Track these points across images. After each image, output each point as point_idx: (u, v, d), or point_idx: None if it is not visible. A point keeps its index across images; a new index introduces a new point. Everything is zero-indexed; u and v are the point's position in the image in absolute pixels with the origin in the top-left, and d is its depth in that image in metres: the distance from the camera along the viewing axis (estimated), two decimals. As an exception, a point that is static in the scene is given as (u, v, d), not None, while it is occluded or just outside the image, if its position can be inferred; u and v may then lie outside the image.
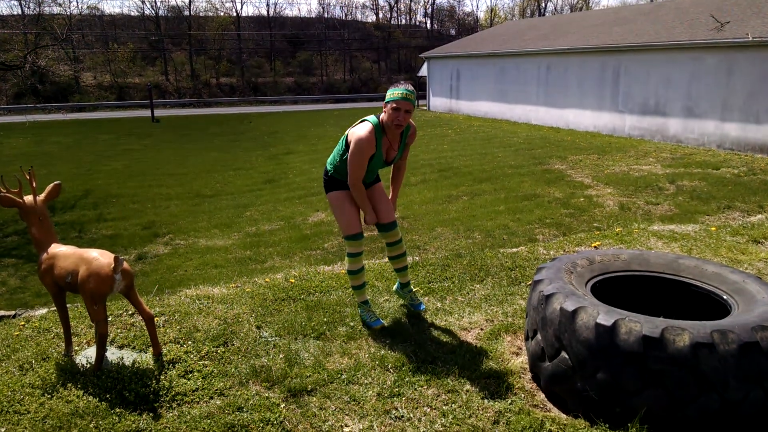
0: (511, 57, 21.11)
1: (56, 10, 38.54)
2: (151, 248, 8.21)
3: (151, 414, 2.84)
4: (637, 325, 2.53)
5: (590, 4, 56.08)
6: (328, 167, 3.76)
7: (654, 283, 3.33)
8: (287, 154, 16.14)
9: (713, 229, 6.23)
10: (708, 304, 3.15)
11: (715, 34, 13.97)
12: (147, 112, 28.39)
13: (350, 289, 4.46)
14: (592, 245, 5.68)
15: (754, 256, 5.15)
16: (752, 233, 5.88)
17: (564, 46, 18.34)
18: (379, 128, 3.52)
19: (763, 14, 14.23)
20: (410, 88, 3.48)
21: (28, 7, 34.48)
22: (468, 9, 66.43)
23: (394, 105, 3.40)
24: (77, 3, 44.14)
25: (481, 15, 58.57)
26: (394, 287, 4.17)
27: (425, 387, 3.04)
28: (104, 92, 37.92)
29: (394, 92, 3.44)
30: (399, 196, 4.01)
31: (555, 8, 56.25)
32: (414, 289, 4.24)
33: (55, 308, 4.31)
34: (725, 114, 13.65)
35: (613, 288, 3.31)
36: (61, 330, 3.56)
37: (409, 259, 5.30)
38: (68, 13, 39.14)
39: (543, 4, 55.79)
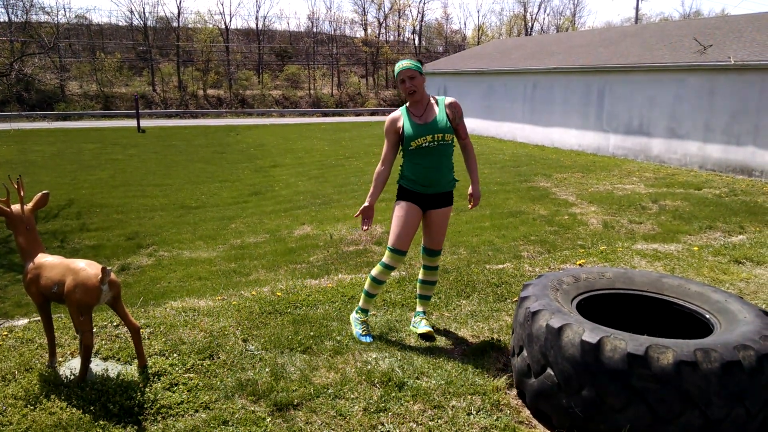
0: (498, 75, 21.33)
1: (44, 18, 38.38)
2: (135, 259, 8.15)
3: (135, 427, 2.82)
4: (621, 342, 2.56)
5: (576, 25, 56.88)
6: (399, 176, 3.85)
7: (638, 302, 3.37)
8: (274, 166, 16.13)
9: (696, 248, 6.32)
10: (691, 323, 3.20)
11: (698, 56, 14.23)
12: (133, 122, 28.24)
13: (337, 303, 4.47)
14: (577, 263, 5.73)
15: (735, 276, 5.23)
16: (733, 253, 5.97)
17: (550, 66, 18.57)
18: (404, 108, 3.75)
19: (744, 39, 14.53)
20: (408, 59, 3.68)
21: (16, 15, 34.34)
22: (456, 27, 67.13)
23: (400, 78, 3.65)
24: (65, 12, 44.01)
25: (469, 33, 59.09)
26: (412, 322, 4.10)
27: (411, 402, 3.05)
28: (90, 101, 37.66)
29: (395, 69, 3.70)
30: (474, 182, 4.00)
31: (541, 28, 56.98)
32: (397, 318, 4.23)
33: (38, 318, 4.27)
34: (707, 135, 13.88)
35: (598, 305, 3.35)
36: (45, 341, 3.53)
37: (396, 274, 5.32)
38: (56, 22, 38.98)
39: (529, 24, 56.48)
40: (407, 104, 3.74)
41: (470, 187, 3.94)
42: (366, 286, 3.91)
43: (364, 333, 3.85)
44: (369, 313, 4.02)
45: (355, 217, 3.73)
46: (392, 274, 4.72)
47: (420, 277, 4.01)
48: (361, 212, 3.76)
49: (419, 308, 4.06)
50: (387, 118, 3.74)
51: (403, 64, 3.64)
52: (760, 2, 68.35)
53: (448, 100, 3.75)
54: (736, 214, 9.05)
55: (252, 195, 12.35)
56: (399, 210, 3.75)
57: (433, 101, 3.73)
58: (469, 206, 3.99)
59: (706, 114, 13.89)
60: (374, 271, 3.85)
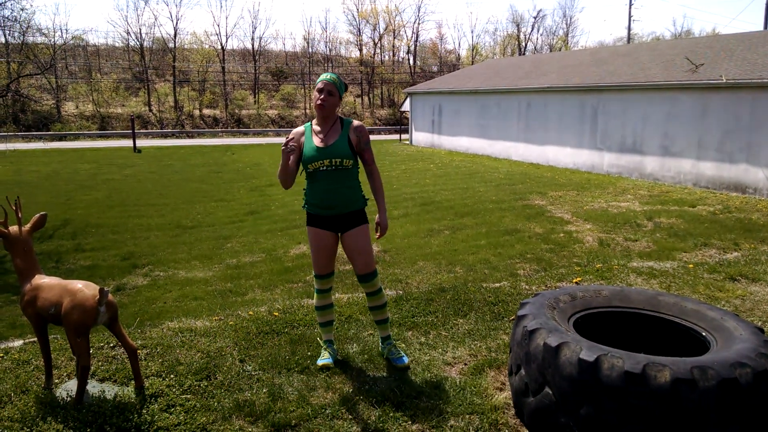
0: (493, 94, 21.50)
1: (40, 39, 38.49)
2: (130, 279, 8.12)
3: (132, 449, 2.80)
4: (619, 361, 2.57)
5: (569, 45, 57.46)
6: (303, 201, 3.77)
7: (635, 319, 3.38)
8: (269, 186, 16.15)
9: (691, 266, 6.34)
10: (687, 341, 3.21)
11: (690, 75, 14.39)
12: (129, 142, 28.31)
13: (334, 322, 4.46)
14: (574, 281, 5.75)
15: (731, 293, 5.25)
16: (729, 271, 6.00)
17: (544, 85, 18.73)
18: (308, 125, 3.70)
19: (735, 57, 14.71)
20: (333, 73, 3.65)
21: (12, 36, 34.45)
22: (450, 47, 67.65)
23: (319, 86, 3.58)
24: (62, 33, 44.15)
25: (463, 53, 59.57)
26: (380, 348, 3.94)
27: (409, 422, 3.04)
28: (86, 122, 37.74)
29: (320, 77, 3.63)
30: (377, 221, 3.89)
31: (535, 47, 57.52)
32: (395, 337, 4.14)
33: (33, 339, 4.25)
34: (701, 153, 13.99)
35: (595, 324, 3.36)
36: (42, 362, 3.52)
37: (392, 293, 5.32)
38: (53, 43, 39.14)
39: (523, 44, 57.02)
40: (313, 121, 3.69)
41: (377, 216, 3.76)
42: (317, 318, 3.89)
43: (322, 357, 3.78)
44: (333, 344, 3.90)
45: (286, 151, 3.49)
46: (392, 293, 4.73)
47: (367, 304, 3.90)
48: (287, 147, 3.47)
49: (381, 334, 3.89)
50: (290, 133, 3.68)
51: (329, 76, 3.59)
52: (750, 21, 69.28)
53: (355, 123, 3.67)
54: (730, 231, 9.09)
55: (248, 214, 12.34)
56: (310, 236, 3.76)
57: (338, 124, 3.63)
58: (376, 236, 3.77)
59: (699, 132, 14.01)
60: (314, 301, 3.84)
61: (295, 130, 3.68)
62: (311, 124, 3.67)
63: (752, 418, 2.52)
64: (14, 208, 3.36)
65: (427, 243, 8.95)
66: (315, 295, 3.81)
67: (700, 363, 2.54)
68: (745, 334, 2.89)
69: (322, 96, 3.53)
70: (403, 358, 3.77)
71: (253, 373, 3.60)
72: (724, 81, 13.09)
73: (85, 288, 3.07)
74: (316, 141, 3.57)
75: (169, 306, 6.85)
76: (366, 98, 51.07)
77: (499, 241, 8.86)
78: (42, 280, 3.23)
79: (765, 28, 31.83)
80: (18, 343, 4.34)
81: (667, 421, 2.48)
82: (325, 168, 3.54)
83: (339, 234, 3.69)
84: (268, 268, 8.22)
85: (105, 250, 9.72)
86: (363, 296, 5.17)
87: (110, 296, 3.10)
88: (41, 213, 3.39)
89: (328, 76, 3.58)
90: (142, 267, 8.68)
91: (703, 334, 3.09)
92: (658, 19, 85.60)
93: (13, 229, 3.28)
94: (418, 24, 62.84)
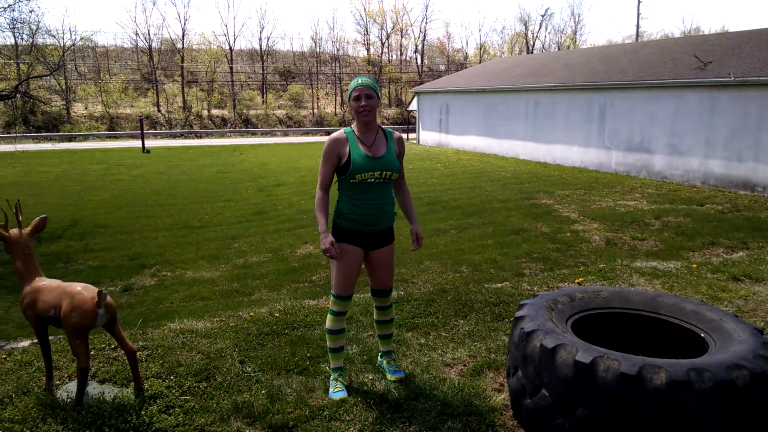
0: (500, 93, 21.44)
1: (49, 41, 38.77)
2: (138, 280, 8.17)
3: (130, 450, 2.82)
4: (615, 362, 2.56)
5: (577, 43, 57.18)
6: (334, 214, 3.48)
7: (634, 321, 3.37)
8: (277, 185, 16.19)
9: (694, 266, 6.30)
10: (687, 342, 3.19)
11: (698, 73, 14.29)
12: (138, 143, 28.47)
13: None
14: (576, 281, 5.73)
15: (733, 294, 5.21)
16: (732, 270, 5.95)
17: (551, 83, 18.66)
18: (350, 131, 3.40)
19: (744, 55, 14.59)
20: (368, 77, 3.41)
21: (21, 38, 34.69)
22: (457, 45, 67.51)
23: (355, 94, 3.32)
24: (71, 34, 44.43)
25: (471, 51, 59.43)
26: (377, 362, 3.82)
27: (407, 424, 3.05)
28: (95, 123, 37.98)
29: (351, 85, 3.38)
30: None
31: (543, 46, 57.27)
32: (395, 338, 4.02)
33: (37, 341, 4.29)
34: (708, 151, 13.89)
35: (594, 325, 3.35)
36: (43, 364, 3.54)
37: (394, 293, 5.32)
38: (62, 44, 39.39)
39: (531, 42, 56.80)
40: (353, 127, 3.40)
41: (411, 227, 3.63)
42: (328, 343, 3.53)
43: (336, 389, 3.42)
44: (344, 372, 3.59)
45: (328, 257, 3.37)
46: (394, 294, 4.71)
47: (375, 317, 3.68)
48: (332, 253, 3.30)
49: (383, 348, 3.74)
50: (328, 139, 3.35)
51: (362, 80, 3.34)
52: (759, 18, 68.71)
53: (396, 134, 3.48)
54: (738, 229, 9.02)
55: (255, 214, 12.38)
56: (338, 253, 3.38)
57: (382, 133, 3.44)
58: (413, 247, 3.63)
59: (706, 130, 13.92)
60: (328, 323, 3.51)
61: (333, 138, 3.35)
62: (353, 131, 3.39)
63: (749, 421, 2.51)
64: (14, 211, 3.39)
65: (433, 243, 8.95)
66: (330, 317, 3.49)
67: (697, 365, 2.53)
68: (744, 335, 2.87)
69: (362, 102, 3.28)
70: (400, 371, 3.64)
71: (252, 374, 3.61)
72: (732, 79, 12.99)
73: (84, 290, 3.10)
74: (365, 150, 3.32)
75: (176, 306, 6.89)
76: (374, 97, 50.97)
77: (505, 240, 8.84)
78: (42, 282, 3.25)
79: (776, 24, 31.53)
80: (25, 343, 4.38)
81: (663, 423, 2.47)
82: (373, 180, 3.32)
83: (365, 251, 3.47)
84: (274, 267, 8.25)
85: (113, 251, 9.78)
86: (363, 297, 5.17)
87: (109, 298, 3.13)
88: (41, 216, 3.42)
89: (361, 81, 3.34)
90: (149, 267, 8.73)
91: (702, 335, 3.07)
92: (666, 17, 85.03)
93: (13, 232, 3.31)
94: (426, 23, 62.93)
